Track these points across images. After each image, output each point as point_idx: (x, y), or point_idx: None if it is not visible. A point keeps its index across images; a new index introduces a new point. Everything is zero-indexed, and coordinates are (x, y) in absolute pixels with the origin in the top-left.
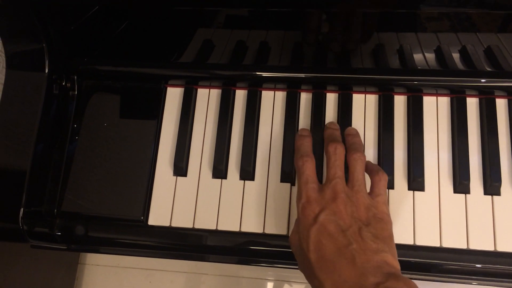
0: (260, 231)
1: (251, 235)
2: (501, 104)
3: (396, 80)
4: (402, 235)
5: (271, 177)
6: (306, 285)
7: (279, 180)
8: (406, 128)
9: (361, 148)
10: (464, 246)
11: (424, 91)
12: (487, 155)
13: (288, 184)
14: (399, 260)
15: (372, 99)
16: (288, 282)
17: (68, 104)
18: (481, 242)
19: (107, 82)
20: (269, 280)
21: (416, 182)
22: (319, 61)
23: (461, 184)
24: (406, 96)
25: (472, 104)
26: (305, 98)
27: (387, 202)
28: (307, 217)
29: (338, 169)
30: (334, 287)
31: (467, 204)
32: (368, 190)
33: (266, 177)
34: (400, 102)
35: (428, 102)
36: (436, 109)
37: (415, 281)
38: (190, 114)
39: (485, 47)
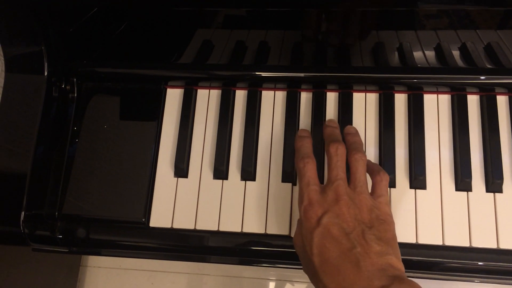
0: (262, 231)
1: (253, 236)
2: (502, 101)
3: (396, 78)
4: (404, 233)
5: (272, 177)
6: (308, 285)
7: (280, 180)
8: (407, 126)
9: (361, 147)
10: (466, 244)
11: (425, 89)
12: (489, 152)
13: (290, 184)
14: (402, 259)
15: (372, 98)
16: (291, 281)
17: (68, 106)
18: (484, 240)
19: (106, 84)
20: (271, 280)
21: (417, 180)
22: (319, 60)
23: (462, 182)
24: (406, 94)
25: (473, 101)
26: (305, 98)
27: (389, 203)
28: (309, 219)
29: (340, 171)
30: None
31: (469, 201)
32: (369, 190)
33: (267, 177)
34: (400, 100)
35: (429, 100)
36: (437, 107)
37: (418, 280)
38: (190, 115)
39: (485, 44)
